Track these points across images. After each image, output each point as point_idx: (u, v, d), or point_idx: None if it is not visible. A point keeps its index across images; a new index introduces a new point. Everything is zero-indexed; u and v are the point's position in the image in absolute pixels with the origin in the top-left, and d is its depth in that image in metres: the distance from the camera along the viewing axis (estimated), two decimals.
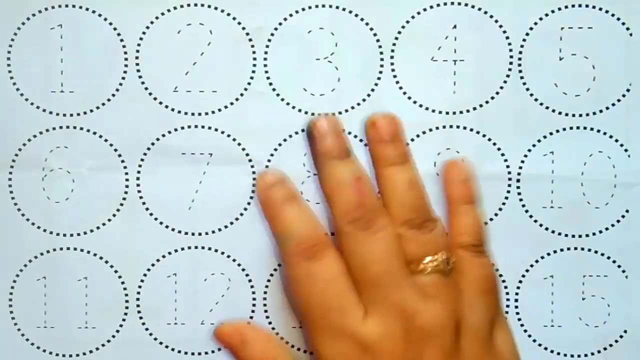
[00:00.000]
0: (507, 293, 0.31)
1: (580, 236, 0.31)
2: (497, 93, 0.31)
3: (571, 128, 0.31)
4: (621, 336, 0.31)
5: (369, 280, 0.27)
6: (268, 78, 0.31)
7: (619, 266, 0.31)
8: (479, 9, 0.31)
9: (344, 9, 0.31)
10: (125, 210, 0.31)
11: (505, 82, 0.31)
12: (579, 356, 0.31)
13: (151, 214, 0.31)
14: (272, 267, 0.31)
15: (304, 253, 0.28)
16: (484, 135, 0.31)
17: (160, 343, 0.31)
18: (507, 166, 0.31)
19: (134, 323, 0.31)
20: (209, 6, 0.31)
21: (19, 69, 0.31)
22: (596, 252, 0.31)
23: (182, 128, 0.31)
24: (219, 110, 0.31)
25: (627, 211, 0.31)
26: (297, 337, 0.31)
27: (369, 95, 0.31)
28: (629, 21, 0.30)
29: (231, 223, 0.31)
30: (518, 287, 0.31)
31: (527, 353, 0.31)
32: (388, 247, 0.28)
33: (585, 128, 0.31)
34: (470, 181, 0.30)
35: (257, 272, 0.31)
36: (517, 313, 0.31)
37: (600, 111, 0.31)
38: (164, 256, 0.31)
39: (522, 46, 0.31)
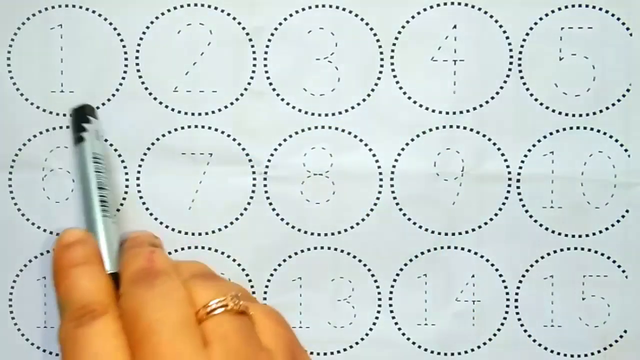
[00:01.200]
0: (507, 293, 0.31)
1: (580, 236, 0.31)
2: (497, 93, 0.31)
3: (571, 128, 0.31)
4: (621, 336, 0.31)
5: (139, 334, 0.24)
6: (268, 78, 0.31)
7: (619, 266, 0.31)
8: (479, 9, 0.31)
9: (344, 9, 0.31)
10: (125, 210, 0.31)
11: (505, 82, 0.31)
12: (579, 356, 0.31)
13: (151, 214, 0.31)
14: (273, 267, 0.31)
15: (77, 319, 0.25)
16: (484, 135, 0.31)
17: None
18: (507, 166, 0.31)
19: None
20: (209, 6, 0.31)
21: (19, 69, 0.31)
22: (596, 252, 0.31)
23: (182, 128, 0.31)
24: (219, 110, 0.31)
25: (627, 211, 0.31)
26: (297, 336, 0.31)
27: (369, 95, 0.31)
28: (629, 21, 0.30)
29: (231, 223, 0.31)
30: (518, 287, 0.31)
31: (527, 353, 0.31)
32: (164, 297, 0.25)
33: (585, 128, 0.31)
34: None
35: (257, 272, 0.31)
36: (517, 313, 0.31)
37: (600, 111, 0.31)
38: None
39: (522, 46, 0.31)
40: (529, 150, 0.31)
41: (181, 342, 0.23)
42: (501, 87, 0.31)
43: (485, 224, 0.31)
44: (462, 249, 0.31)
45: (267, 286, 0.31)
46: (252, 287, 0.31)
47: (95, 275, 0.26)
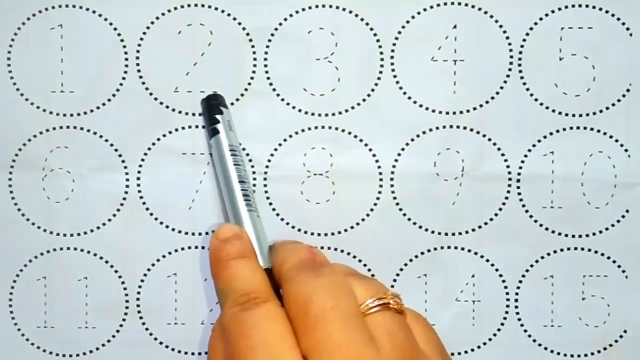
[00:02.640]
0: (507, 293, 0.31)
1: (580, 236, 0.31)
2: (497, 93, 0.31)
3: (571, 128, 0.31)
4: (621, 336, 0.31)
5: (310, 320, 0.24)
6: (268, 78, 0.31)
7: (619, 266, 0.31)
8: (479, 9, 0.31)
9: (344, 9, 0.31)
10: (125, 210, 0.31)
11: (505, 82, 0.31)
12: (579, 356, 0.31)
13: (151, 214, 0.31)
14: None
15: (241, 304, 0.25)
16: (484, 135, 0.31)
17: (160, 343, 0.31)
18: (507, 166, 0.31)
19: (134, 323, 0.31)
20: (209, 6, 0.31)
21: (19, 69, 0.31)
22: (596, 252, 0.31)
23: (182, 128, 0.31)
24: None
25: (627, 211, 0.31)
26: None
27: (369, 95, 0.31)
28: (629, 21, 0.30)
29: None
30: (518, 287, 0.31)
31: (527, 353, 0.31)
32: (334, 287, 0.25)
33: (585, 128, 0.31)
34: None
35: None
36: (517, 313, 0.31)
37: (600, 111, 0.31)
38: (164, 256, 0.31)
39: (522, 46, 0.31)
40: (529, 150, 0.31)
41: (353, 332, 0.24)
42: (501, 87, 0.31)
43: (485, 224, 0.31)
44: (462, 249, 0.31)
45: None
46: None
47: (253, 267, 0.27)
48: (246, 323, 0.24)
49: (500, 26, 0.31)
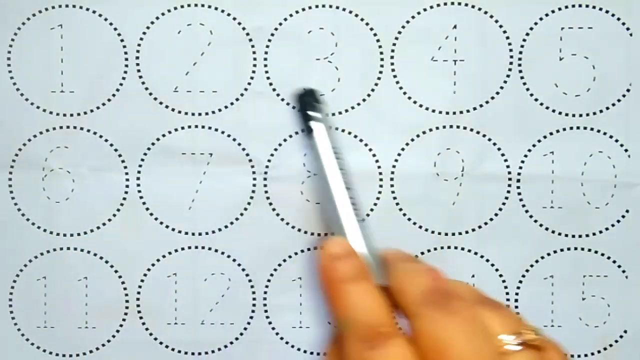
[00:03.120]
0: (507, 293, 0.31)
1: (580, 236, 0.31)
2: (497, 93, 0.31)
3: (571, 128, 0.31)
4: (621, 336, 0.31)
5: None
6: (268, 78, 0.31)
7: (619, 266, 0.31)
8: (479, 9, 0.31)
9: (344, 9, 0.31)
10: (125, 210, 0.31)
11: (505, 82, 0.31)
12: (579, 356, 0.31)
13: (151, 214, 0.31)
14: (272, 267, 0.31)
15: (368, 341, 0.23)
16: (484, 135, 0.31)
17: (160, 343, 0.31)
18: (507, 166, 0.31)
19: (134, 323, 0.31)
20: (209, 6, 0.31)
21: (19, 69, 0.31)
22: (596, 252, 0.31)
23: (182, 128, 0.31)
24: (219, 110, 0.31)
25: (627, 211, 0.31)
26: (297, 337, 0.31)
27: (369, 95, 0.31)
28: (629, 21, 0.30)
29: (231, 223, 0.31)
30: (518, 287, 0.31)
31: None
32: (470, 326, 0.23)
33: (585, 128, 0.31)
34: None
35: (257, 272, 0.31)
36: (517, 313, 0.31)
37: (600, 111, 0.31)
38: (164, 256, 0.31)
39: (522, 46, 0.31)
40: (529, 150, 0.31)
41: None
42: (501, 87, 0.31)
43: (485, 224, 0.31)
44: (462, 249, 0.31)
45: (267, 286, 0.31)
46: (252, 287, 0.31)
47: (372, 293, 0.25)
48: None
49: (500, 26, 0.31)
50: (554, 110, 0.31)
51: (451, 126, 0.31)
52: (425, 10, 0.31)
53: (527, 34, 0.31)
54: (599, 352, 0.31)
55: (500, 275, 0.31)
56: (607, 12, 0.30)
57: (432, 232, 0.31)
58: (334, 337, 0.26)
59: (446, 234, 0.31)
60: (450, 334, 0.23)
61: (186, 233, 0.31)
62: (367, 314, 0.24)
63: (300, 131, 0.28)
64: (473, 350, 0.22)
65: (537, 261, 0.31)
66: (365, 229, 0.27)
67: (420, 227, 0.31)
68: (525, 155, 0.31)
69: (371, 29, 0.31)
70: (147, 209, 0.31)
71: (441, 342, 0.22)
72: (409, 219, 0.31)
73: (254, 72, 0.31)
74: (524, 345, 0.23)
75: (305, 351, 0.31)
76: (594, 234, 0.31)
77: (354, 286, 0.25)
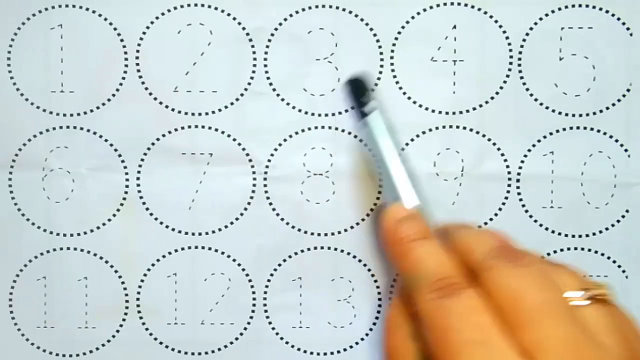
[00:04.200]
0: None
1: (580, 236, 0.31)
2: (497, 93, 0.31)
3: (571, 128, 0.31)
4: None
5: (524, 315, 0.22)
6: (268, 78, 0.31)
7: (619, 266, 0.31)
8: (479, 9, 0.31)
9: (344, 9, 0.31)
10: (125, 210, 0.31)
11: (505, 82, 0.31)
12: None
13: (151, 214, 0.31)
14: (272, 267, 0.31)
15: (439, 290, 0.24)
16: (483, 135, 0.31)
17: (160, 343, 0.31)
18: (507, 166, 0.31)
19: (134, 323, 0.31)
20: (209, 6, 0.31)
21: (19, 69, 0.31)
22: (596, 252, 0.31)
23: (182, 128, 0.31)
24: (219, 110, 0.31)
25: (627, 211, 0.31)
26: (297, 337, 0.31)
27: None
28: (629, 21, 0.30)
29: (231, 223, 0.31)
30: None
31: None
32: (541, 278, 0.23)
33: (585, 128, 0.31)
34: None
35: (257, 272, 0.31)
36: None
37: (600, 111, 0.31)
38: (164, 256, 0.31)
39: (522, 46, 0.31)
40: (529, 150, 0.31)
41: (572, 327, 0.22)
42: (501, 87, 0.31)
43: (485, 223, 0.31)
44: None
45: (267, 286, 0.31)
46: (252, 287, 0.31)
47: (439, 250, 0.25)
48: (452, 314, 0.23)
49: (500, 26, 0.31)
50: (553, 110, 0.31)
51: (451, 126, 0.31)
52: (425, 10, 0.31)
53: (527, 34, 0.31)
54: None
55: None
56: (607, 12, 0.30)
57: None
58: (400, 289, 0.27)
59: None
60: (523, 284, 0.23)
61: (186, 233, 0.31)
62: (437, 266, 0.25)
63: (356, 117, 0.28)
64: (546, 301, 0.22)
65: None
66: (424, 199, 0.27)
67: None
68: (525, 155, 0.31)
69: (371, 29, 0.31)
70: (147, 209, 0.31)
71: (514, 292, 0.23)
72: None
73: (254, 72, 0.31)
74: (593, 299, 0.24)
75: (305, 351, 0.31)
76: (593, 233, 0.31)
77: (420, 243, 0.25)
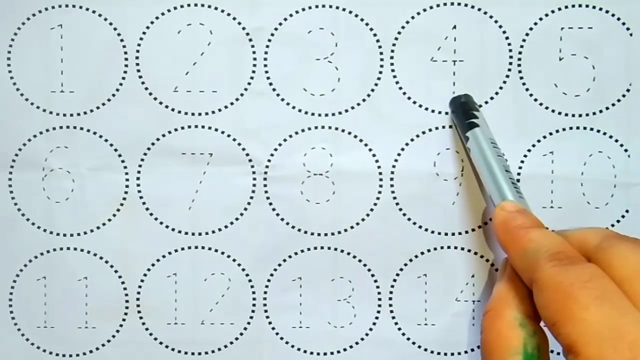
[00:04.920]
0: None
1: None
2: (497, 93, 0.31)
3: (571, 128, 0.31)
4: None
5: None
6: (268, 78, 0.31)
7: None
8: (479, 9, 0.31)
9: (344, 9, 0.31)
10: (125, 210, 0.31)
11: (505, 82, 0.31)
12: None
13: (151, 214, 0.31)
14: (272, 267, 0.31)
15: (561, 260, 0.24)
16: None
17: (160, 343, 0.31)
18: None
19: (134, 323, 0.31)
20: (209, 6, 0.31)
21: (19, 69, 0.31)
22: None
23: (182, 128, 0.31)
24: (219, 110, 0.31)
25: (627, 211, 0.31)
26: (297, 337, 0.31)
27: (369, 95, 0.31)
28: (629, 21, 0.30)
29: (231, 223, 0.31)
30: None
31: None
32: None
33: (585, 128, 0.31)
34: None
35: (257, 272, 0.31)
36: None
37: (600, 111, 0.31)
38: (164, 256, 0.31)
39: (522, 46, 0.31)
40: (529, 150, 0.31)
41: None
42: (501, 87, 0.31)
43: (485, 223, 0.31)
44: (462, 249, 0.31)
45: (267, 286, 0.31)
46: (252, 287, 0.31)
47: (555, 234, 0.26)
48: (577, 276, 0.23)
49: (500, 26, 0.31)
50: (553, 110, 0.31)
51: (451, 126, 0.31)
52: (425, 10, 0.31)
53: (527, 34, 0.31)
54: None
55: None
56: (607, 12, 0.30)
57: (432, 232, 0.31)
58: (503, 279, 0.27)
59: (446, 234, 0.31)
60: None
61: (186, 233, 0.31)
62: (557, 243, 0.25)
63: (462, 136, 0.30)
64: None
65: None
66: (526, 204, 0.28)
67: (420, 227, 0.31)
68: (525, 155, 0.31)
69: (371, 29, 0.31)
70: (147, 209, 0.31)
71: (635, 265, 0.23)
72: (409, 219, 0.31)
73: (254, 72, 0.31)
74: None
75: (305, 351, 0.31)
76: None
77: (534, 229, 0.26)
